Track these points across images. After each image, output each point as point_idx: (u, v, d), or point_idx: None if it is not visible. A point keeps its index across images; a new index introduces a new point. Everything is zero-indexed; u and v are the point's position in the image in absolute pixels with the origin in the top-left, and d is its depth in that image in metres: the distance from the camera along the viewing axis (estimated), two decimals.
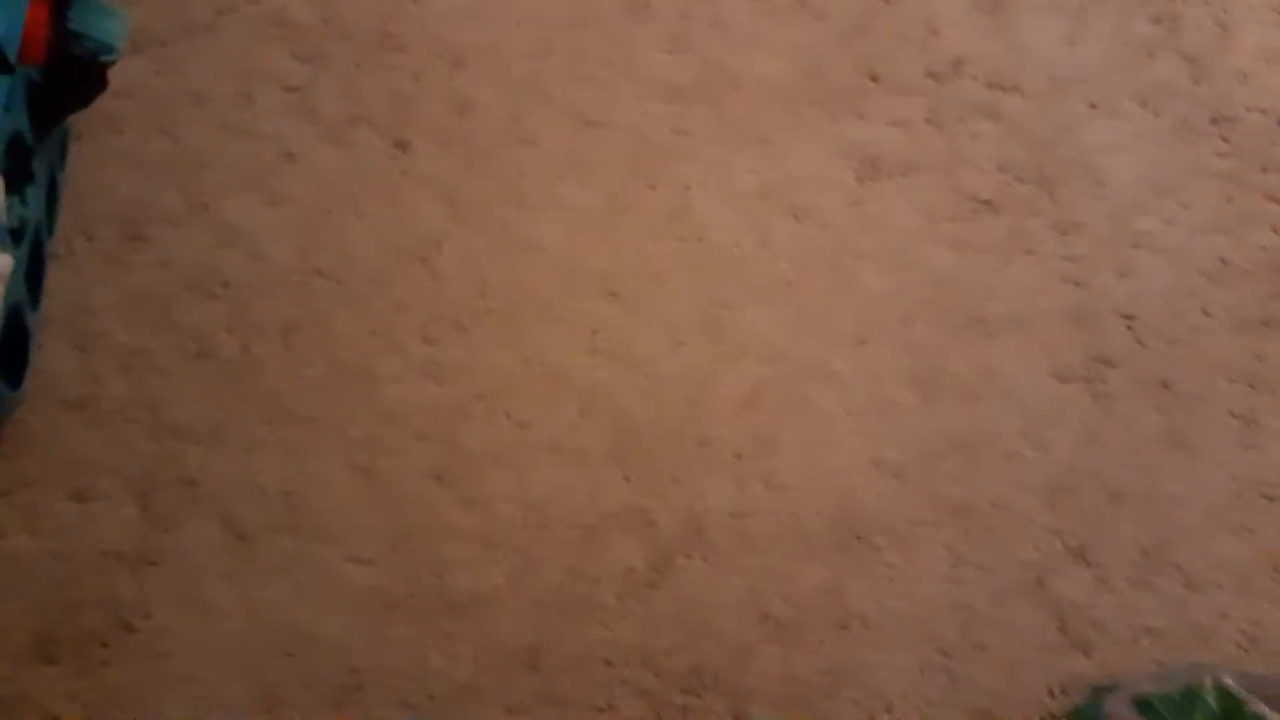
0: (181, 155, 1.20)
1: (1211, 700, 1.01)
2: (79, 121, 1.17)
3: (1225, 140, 1.34)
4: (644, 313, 1.20)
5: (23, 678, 1.00)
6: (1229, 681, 1.02)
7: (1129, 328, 1.25)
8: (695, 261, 1.23)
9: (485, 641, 1.06)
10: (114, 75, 1.09)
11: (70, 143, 1.15)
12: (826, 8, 1.37)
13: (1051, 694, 1.10)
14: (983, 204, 1.29)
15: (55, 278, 1.13)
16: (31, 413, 1.08)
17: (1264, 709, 0.99)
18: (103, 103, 1.09)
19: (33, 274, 1.04)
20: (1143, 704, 1.03)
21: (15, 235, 0.95)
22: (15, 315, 0.98)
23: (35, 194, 0.98)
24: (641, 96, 1.30)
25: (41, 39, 0.87)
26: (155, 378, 1.12)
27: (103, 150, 1.19)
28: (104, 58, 1.00)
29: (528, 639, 1.06)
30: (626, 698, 1.05)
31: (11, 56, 0.78)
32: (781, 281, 1.23)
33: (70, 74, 0.95)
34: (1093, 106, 1.35)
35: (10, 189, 0.91)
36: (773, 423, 1.17)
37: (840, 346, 1.21)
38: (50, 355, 1.10)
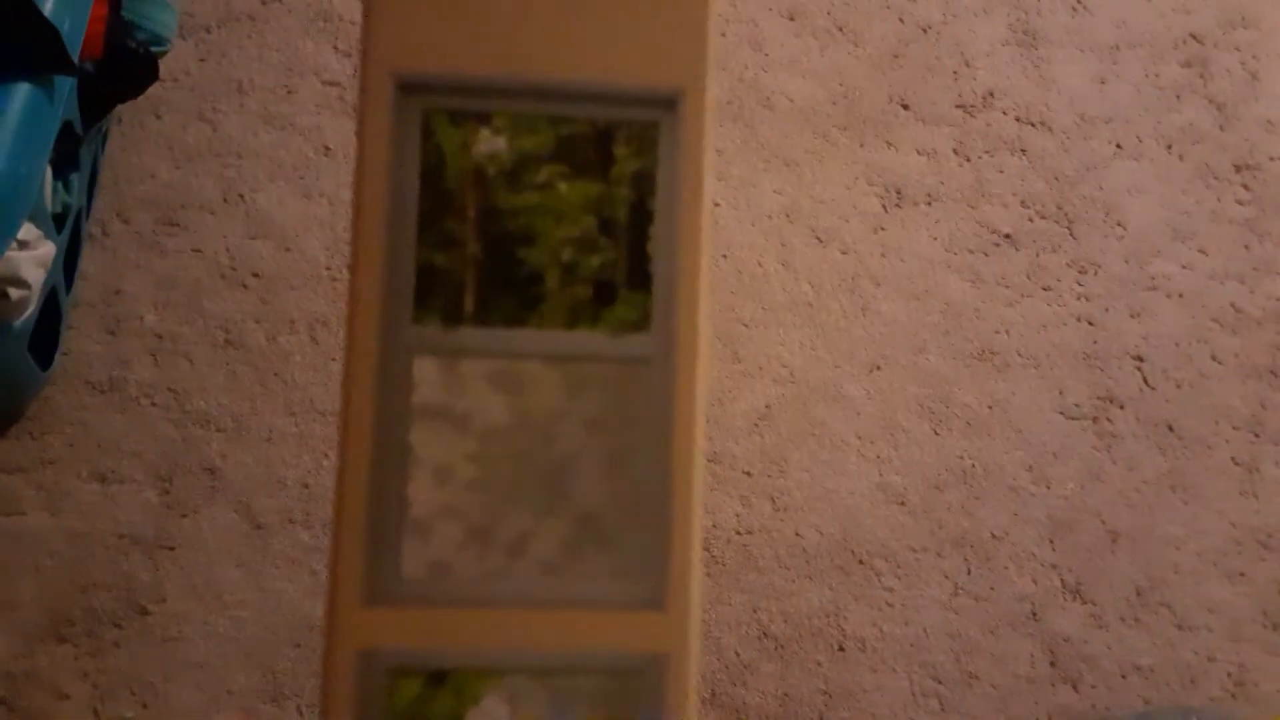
0: (220, 143, 1.21)
1: None
2: (121, 106, 1.17)
3: (1246, 188, 1.36)
4: None
5: (35, 655, 1.02)
6: None
7: (1138, 369, 1.26)
8: (718, 277, 1.24)
9: None
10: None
11: (110, 126, 1.16)
12: (864, 34, 1.37)
13: None
14: (1003, 237, 1.30)
15: (89, 260, 1.14)
16: (58, 393, 1.09)
17: None
18: None
19: (69, 257, 1.05)
20: None
21: (58, 221, 0.95)
22: (50, 298, 0.99)
23: (79, 181, 0.99)
24: None
25: (100, 34, 0.88)
26: (182, 364, 1.13)
27: (142, 134, 1.20)
28: (156, 49, 1.01)
29: None
30: None
31: (75, 55, 0.79)
32: (801, 303, 1.25)
33: (122, 65, 0.96)
34: (1118, 147, 1.36)
35: (56, 176, 0.92)
36: (783, 443, 1.19)
37: (854, 371, 1.23)
38: (80, 337, 1.11)
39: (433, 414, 0.23)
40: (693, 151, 0.23)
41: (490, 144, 0.23)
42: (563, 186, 0.23)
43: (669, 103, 0.23)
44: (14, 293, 0.85)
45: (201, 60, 1.24)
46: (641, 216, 0.23)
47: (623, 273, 0.23)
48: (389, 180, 0.22)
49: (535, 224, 0.23)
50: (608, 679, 0.22)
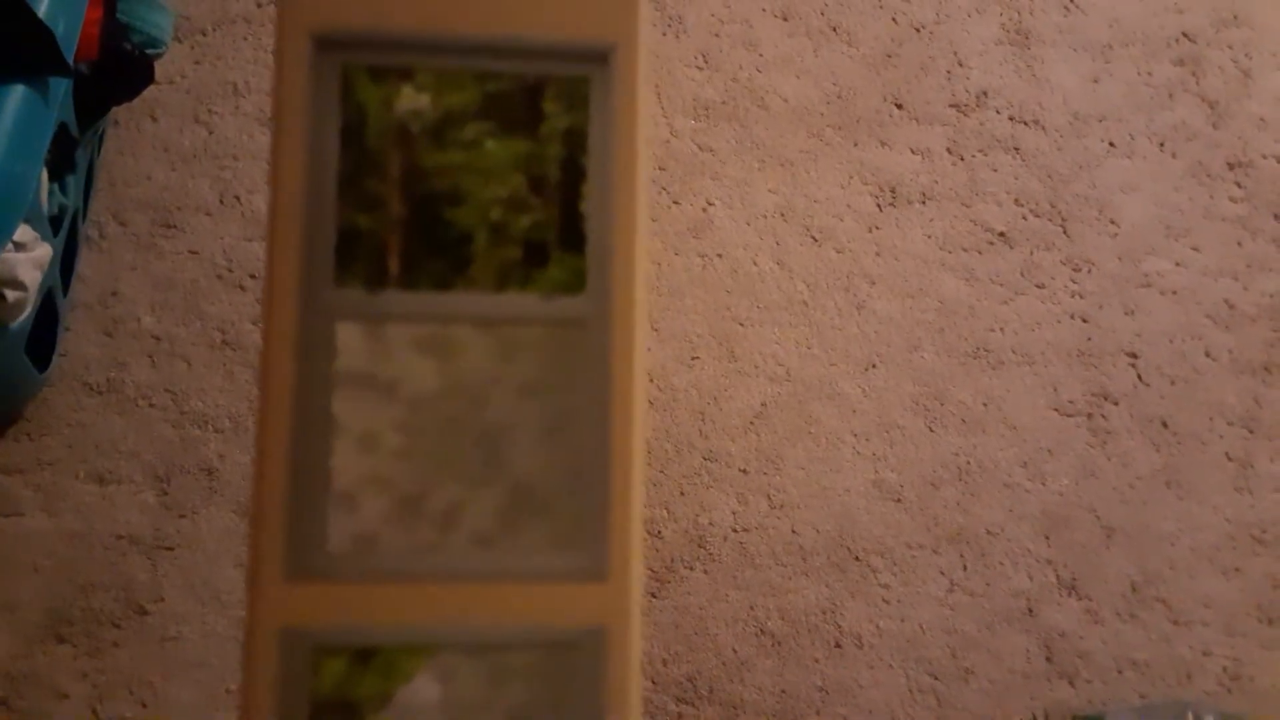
0: (216, 145, 1.21)
1: None
2: (118, 108, 1.18)
3: (1239, 185, 1.36)
4: (661, 326, 1.22)
5: (34, 656, 1.02)
6: None
7: (1132, 365, 1.27)
8: (713, 277, 1.25)
9: None
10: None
11: (106, 128, 1.16)
12: (858, 34, 1.38)
13: None
14: (997, 236, 1.31)
15: (86, 262, 1.14)
16: (56, 394, 1.09)
17: None
18: None
19: (66, 259, 1.05)
20: None
21: (54, 223, 0.96)
22: (47, 300, 0.99)
23: (75, 183, 0.99)
24: (669, 111, 1.31)
25: (95, 36, 0.88)
26: (180, 365, 1.13)
27: (138, 137, 1.20)
28: (151, 51, 1.01)
29: None
30: None
31: (69, 57, 0.79)
32: (797, 301, 1.25)
33: (117, 67, 0.96)
34: (1111, 145, 1.36)
35: (52, 178, 0.92)
36: (779, 440, 1.19)
37: (849, 369, 1.23)
38: (77, 339, 1.12)
39: (357, 381, 0.21)
40: (626, 107, 0.22)
41: (414, 101, 0.21)
42: (490, 144, 0.22)
43: (600, 56, 0.22)
44: (10, 294, 0.85)
45: (197, 63, 1.24)
46: (573, 175, 0.22)
47: (555, 233, 0.22)
48: (308, 140, 0.21)
49: (462, 183, 0.22)
50: (546, 653, 0.21)
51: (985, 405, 1.23)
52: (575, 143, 0.22)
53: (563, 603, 0.21)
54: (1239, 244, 1.33)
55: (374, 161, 0.21)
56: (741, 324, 1.23)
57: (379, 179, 0.21)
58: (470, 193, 0.22)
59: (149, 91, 1.18)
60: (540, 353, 0.22)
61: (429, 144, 0.22)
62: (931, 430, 1.21)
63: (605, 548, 0.21)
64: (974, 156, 1.34)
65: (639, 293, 0.22)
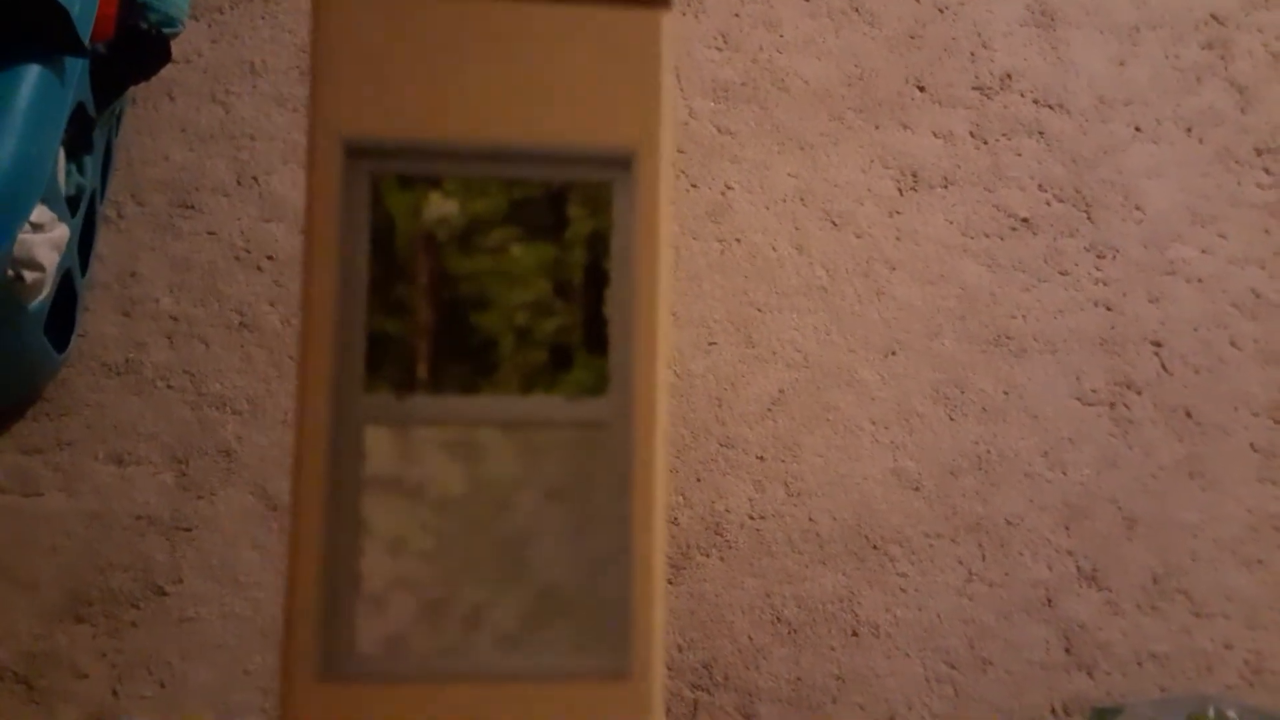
0: (233, 125, 1.21)
1: None
2: (135, 88, 1.17)
3: (1268, 172, 1.34)
4: (679, 310, 1.21)
5: (54, 635, 1.02)
6: (1232, 715, 1.03)
7: (1156, 354, 1.25)
8: (731, 262, 1.24)
9: None
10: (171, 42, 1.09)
11: (124, 108, 1.16)
12: (880, 14, 1.36)
13: (1054, 712, 1.11)
14: (1020, 221, 1.29)
15: (104, 242, 1.14)
16: (75, 375, 1.10)
17: None
18: None
19: (84, 239, 1.05)
20: None
21: (72, 204, 0.96)
22: (66, 280, 0.99)
23: (93, 163, 0.99)
24: (688, 92, 1.30)
25: (111, 15, 0.88)
26: (198, 346, 1.13)
27: (156, 116, 1.20)
28: (168, 30, 1.01)
29: None
30: None
31: (85, 37, 0.79)
32: (815, 287, 1.24)
33: (134, 46, 0.96)
34: (1137, 130, 1.34)
35: (70, 158, 0.92)
36: (796, 427, 1.18)
37: (868, 355, 1.22)
38: (96, 319, 1.12)
39: (386, 484, 0.22)
40: (647, 211, 0.23)
41: (441, 208, 0.22)
42: (516, 250, 0.23)
43: (623, 162, 0.23)
44: (28, 275, 0.85)
45: (214, 42, 1.24)
46: (597, 278, 0.23)
47: (579, 336, 0.23)
48: (339, 246, 0.22)
49: (489, 288, 0.22)
50: None
51: (1006, 394, 1.22)
52: (599, 247, 0.23)
53: (586, 700, 0.22)
54: (1266, 231, 1.31)
55: (403, 268, 0.22)
56: (760, 309, 1.22)
57: (407, 285, 0.22)
58: (496, 297, 0.22)
59: (166, 71, 1.18)
60: (564, 455, 0.22)
61: (456, 250, 0.22)
62: (951, 418, 1.20)
63: (628, 646, 0.22)
64: (997, 140, 1.32)
65: (660, 394, 0.22)
